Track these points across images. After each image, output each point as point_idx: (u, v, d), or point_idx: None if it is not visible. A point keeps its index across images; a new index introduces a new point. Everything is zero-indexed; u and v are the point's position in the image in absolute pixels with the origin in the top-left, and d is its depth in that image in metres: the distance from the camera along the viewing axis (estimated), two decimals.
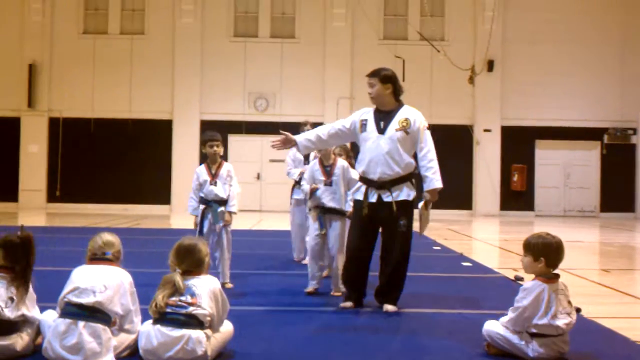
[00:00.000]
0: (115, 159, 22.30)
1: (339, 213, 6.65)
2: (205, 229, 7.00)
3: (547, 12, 22.81)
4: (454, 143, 22.47)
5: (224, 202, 7.03)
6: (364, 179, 5.96)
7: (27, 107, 22.17)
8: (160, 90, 22.37)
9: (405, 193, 5.84)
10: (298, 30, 22.87)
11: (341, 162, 6.79)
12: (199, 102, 22.37)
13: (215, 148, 7.03)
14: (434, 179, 5.84)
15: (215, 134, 7.19)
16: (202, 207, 7.05)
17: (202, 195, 7.07)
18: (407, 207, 5.83)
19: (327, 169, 6.72)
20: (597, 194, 23.15)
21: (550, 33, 22.71)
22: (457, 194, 22.40)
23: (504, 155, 22.64)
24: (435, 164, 5.87)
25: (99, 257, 4.27)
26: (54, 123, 22.39)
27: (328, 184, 6.67)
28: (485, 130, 22.62)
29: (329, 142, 6.22)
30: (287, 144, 6.08)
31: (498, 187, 22.63)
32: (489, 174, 22.58)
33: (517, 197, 22.83)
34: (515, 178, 22.65)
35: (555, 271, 4.37)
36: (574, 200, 23.19)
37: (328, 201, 6.64)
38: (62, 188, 22.28)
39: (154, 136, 22.17)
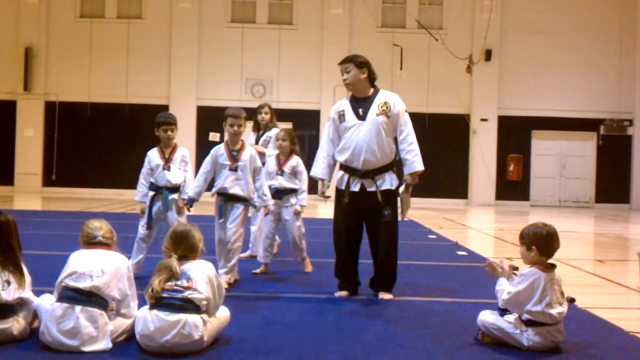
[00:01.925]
0: (111, 143, 22.27)
1: (242, 200, 6.29)
2: (153, 218, 6.55)
3: (545, 2, 22.81)
4: (450, 132, 22.55)
5: (176, 188, 6.61)
6: (345, 168, 5.89)
7: (23, 91, 22.11)
8: (156, 75, 22.33)
9: (388, 182, 5.79)
10: (296, 17, 22.80)
11: (249, 149, 6.40)
12: (196, 88, 22.33)
13: (169, 132, 6.62)
14: (415, 162, 5.77)
15: (170, 117, 6.80)
16: (151, 193, 6.60)
17: (152, 180, 6.62)
18: (390, 196, 5.78)
19: (234, 154, 6.29)
20: (593, 185, 23.22)
21: (548, 23, 22.70)
22: (453, 183, 22.49)
23: (500, 145, 22.68)
24: (415, 147, 5.80)
25: (93, 242, 4.27)
26: (50, 107, 22.35)
27: (233, 169, 6.26)
28: (482, 120, 22.64)
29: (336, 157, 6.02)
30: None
31: (494, 177, 22.67)
32: (485, 164, 22.61)
33: (512, 186, 22.89)
34: (511, 168, 22.70)
35: (552, 262, 4.41)
36: (569, 190, 23.26)
37: (232, 187, 6.25)
38: (57, 172, 22.26)
39: (150, 121, 21.91)
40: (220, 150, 6.36)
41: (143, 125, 22.10)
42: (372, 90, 5.92)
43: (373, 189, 5.76)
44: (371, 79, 5.92)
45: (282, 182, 7.14)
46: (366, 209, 5.81)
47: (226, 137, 6.46)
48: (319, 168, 6.00)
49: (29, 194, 21.13)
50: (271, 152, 7.79)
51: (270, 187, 6.82)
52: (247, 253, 8.12)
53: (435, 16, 22.06)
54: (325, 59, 22.16)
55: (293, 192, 7.17)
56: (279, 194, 7.11)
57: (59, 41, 22.40)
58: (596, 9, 22.92)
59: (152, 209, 6.56)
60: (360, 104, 5.87)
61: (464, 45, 22.08)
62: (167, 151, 6.66)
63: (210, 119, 21.96)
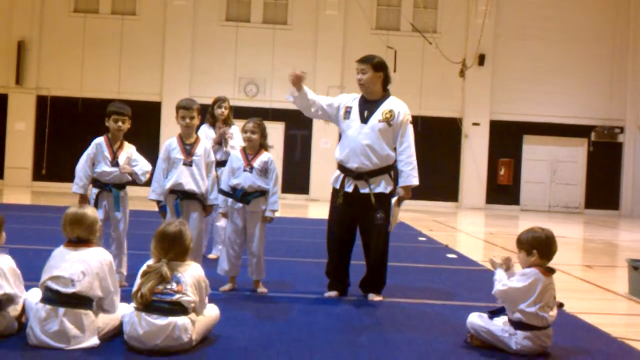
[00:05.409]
0: None
1: (198, 199, 5.97)
2: (101, 219, 5.31)
3: (539, 8, 22.88)
4: (442, 135, 22.58)
5: (123, 186, 6.11)
6: (341, 168, 5.87)
7: (15, 84, 21.98)
8: (149, 72, 22.25)
9: (383, 186, 5.74)
10: (290, 17, 22.79)
11: (204, 143, 6.16)
12: (189, 85, 22.25)
13: (120, 124, 6.09)
14: (411, 175, 5.71)
15: (124, 107, 6.22)
16: (95, 191, 6.01)
17: (95, 176, 6.02)
18: (383, 199, 5.71)
19: (187, 148, 5.97)
20: (583, 191, 23.31)
21: (542, 29, 22.77)
22: (443, 186, 22.51)
23: (491, 149, 22.74)
24: (414, 160, 5.73)
25: (72, 241, 4.15)
26: (41, 101, 22.23)
27: (188, 163, 5.91)
28: (474, 124, 22.70)
29: (316, 111, 5.96)
30: (298, 82, 5.86)
31: (485, 181, 22.73)
32: (476, 167, 22.67)
33: (503, 191, 22.95)
34: (502, 172, 22.76)
35: (551, 266, 4.41)
36: (559, 196, 23.34)
37: (187, 183, 5.90)
38: (48, 166, 22.14)
39: (142, 118, 21.88)
40: (172, 144, 6.06)
41: (135, 122, 21.97)
42: (382, 94, 5.87)
43: (366, 190, 5.73)
44: (385, 82, 5.88)
45: (252, 179, 5.91)
46: (359, 210, 5.78)
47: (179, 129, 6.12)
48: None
49: (18, 187, 21.01)
50: (234, 143, 7.65)
51: (236, 187, 5.94)
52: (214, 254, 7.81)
53: (429, 20, 22.08)
54: (319, 60, 22.15)
55: (262, 194, 5.98)
56: (247, 196, 5.92)
57: (52, 35, 22.29)
58: (589, 17, 23.01)
59: (99, 210, 5.78)
60: (368, 106, 5.82)
61: (457, 49, 22.12)
62: (115, 145, 6.14)
63: (203, 117, 21.90)
